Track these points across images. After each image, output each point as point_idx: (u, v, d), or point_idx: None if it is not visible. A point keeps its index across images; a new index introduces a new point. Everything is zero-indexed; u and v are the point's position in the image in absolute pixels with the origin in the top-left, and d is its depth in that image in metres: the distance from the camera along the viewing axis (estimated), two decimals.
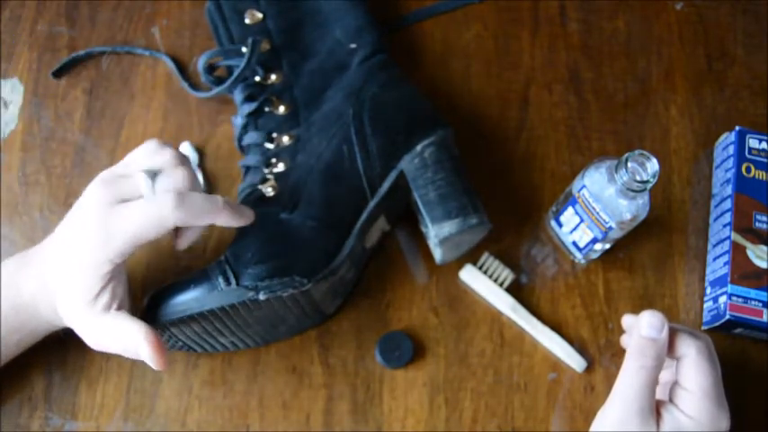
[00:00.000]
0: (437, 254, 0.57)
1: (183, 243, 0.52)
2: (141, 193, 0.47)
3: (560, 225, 0.59)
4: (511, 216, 0.61)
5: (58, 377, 0.55)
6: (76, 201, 0.49)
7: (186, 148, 0.62)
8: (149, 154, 0.49)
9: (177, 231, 0.51)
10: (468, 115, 0.64)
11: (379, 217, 0.56)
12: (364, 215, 0.54)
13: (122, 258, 0.47)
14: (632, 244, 0.60)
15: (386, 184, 0.55)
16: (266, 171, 0.55)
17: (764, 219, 0.57)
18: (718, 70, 0.67)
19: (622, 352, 0.48)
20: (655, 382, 0.46)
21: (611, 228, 0.53)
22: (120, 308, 0.48)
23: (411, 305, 0.59)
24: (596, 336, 0.58)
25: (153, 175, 0.48)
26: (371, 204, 0.54)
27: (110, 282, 0.47)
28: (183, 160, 0.49)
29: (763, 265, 0.56)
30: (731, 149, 0.60)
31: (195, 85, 0.63)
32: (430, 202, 0.54)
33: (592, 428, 0.48)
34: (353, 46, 0.59)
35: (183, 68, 0.65)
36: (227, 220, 0.49)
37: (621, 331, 0.55)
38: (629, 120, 0.65)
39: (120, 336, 0.47)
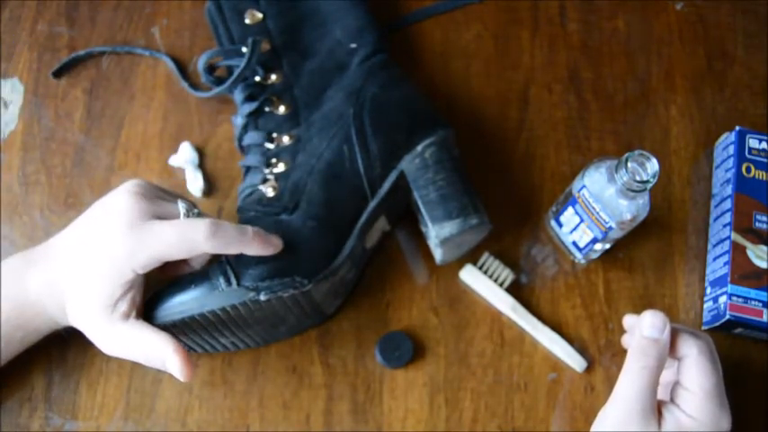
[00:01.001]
0: (437, 254, 0.57)
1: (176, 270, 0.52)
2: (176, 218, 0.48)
3: (560, 225, 0.59)
4: (511, 216, 0.61)
5: (59, 376, 0.55)
6: (100, 200, 0.49)
7: (186, 148, 0.62)
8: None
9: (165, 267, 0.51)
10: (468, 115, 0.64)
11: (379, 217, 0.56)
12: (365, 215, 0.54)
13: (145, 271, 0.47)
14: (632, 244, 0.60)
15: (386, 185, 0.55)
16: (266, 171, 0.55)
17: (764, 219, 0.57)
18: (718, 70, 0.67)
19: (623, 352, 0.48)
20: (656, 382, 0.46)
21: (611, 228, 0.53)
22: (138, 316, 0.48)
23: (411, 305, 0.58)
24: (596, 336, 0.58)
25: (190, 209, 0.49)
26: (372, 205, 0.54)
27: (130, 290, 0.47)
28: None
29: (763, 265, 0.56)
30: (731, 149, 0.60)
31: (195, 85, 0.63)
32: (430, 202, 0.54)
33: (593, 428, 0.48)
34: (354, 46, 0.59)
35: (183, 68, 0.65)
36: (257, 250, 0.49)
37: (622, 331, 0.55)
38: (629, 120, 0.65)
39: (143, 346, 0.47)
